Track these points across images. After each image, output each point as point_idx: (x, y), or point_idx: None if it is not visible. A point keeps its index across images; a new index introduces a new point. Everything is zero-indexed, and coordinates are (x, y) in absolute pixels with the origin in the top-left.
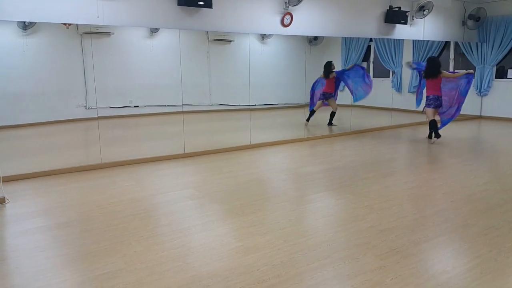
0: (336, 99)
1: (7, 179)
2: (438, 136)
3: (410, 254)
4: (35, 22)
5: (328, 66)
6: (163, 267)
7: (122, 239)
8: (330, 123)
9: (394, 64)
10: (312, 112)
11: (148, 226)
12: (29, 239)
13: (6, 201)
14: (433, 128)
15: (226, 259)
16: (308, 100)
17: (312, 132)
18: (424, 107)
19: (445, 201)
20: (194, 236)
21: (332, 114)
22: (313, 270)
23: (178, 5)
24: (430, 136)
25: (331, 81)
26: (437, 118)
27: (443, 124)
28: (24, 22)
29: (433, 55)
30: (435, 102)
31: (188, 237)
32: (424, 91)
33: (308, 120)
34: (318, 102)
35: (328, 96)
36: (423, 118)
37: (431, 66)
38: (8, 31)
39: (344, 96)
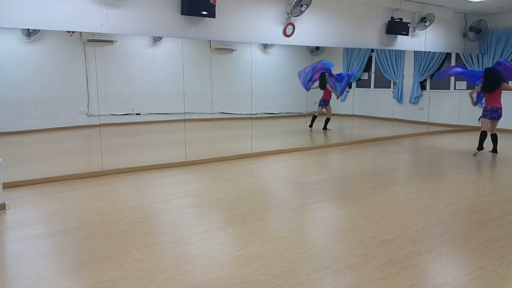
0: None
1: (8, 185)
2: (481, 148)
3: (410, 265)
4: (39, 30)
5: (323, 77)
6: (163, 276)
7: (122, 247)
8: (325, 128)
9: (395, 75)
10: (313, 118)
11: (149, 234)
12: (29, 246)
13: (7, 207)
14: (481, 140)
15: (226, 268)
16: (308, 109)
17: (313, 141)
18: (480, 117)
19: (446, 212)
20: (195, 245)
21: (327, 120)
22: (314, 280)
23: (181, 14)
24: (494, 150)
25: (327, 90)
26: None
27: None
28: (28, 29)
29: (490, 67)
30: (492, 114)
31: (189, 245)
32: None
33: (311, 126)
34: (318, 109)
35: (327, 103)
36: (424, 129)
37: (490, 81)
38: (12, 38)
39: (345, 105)
